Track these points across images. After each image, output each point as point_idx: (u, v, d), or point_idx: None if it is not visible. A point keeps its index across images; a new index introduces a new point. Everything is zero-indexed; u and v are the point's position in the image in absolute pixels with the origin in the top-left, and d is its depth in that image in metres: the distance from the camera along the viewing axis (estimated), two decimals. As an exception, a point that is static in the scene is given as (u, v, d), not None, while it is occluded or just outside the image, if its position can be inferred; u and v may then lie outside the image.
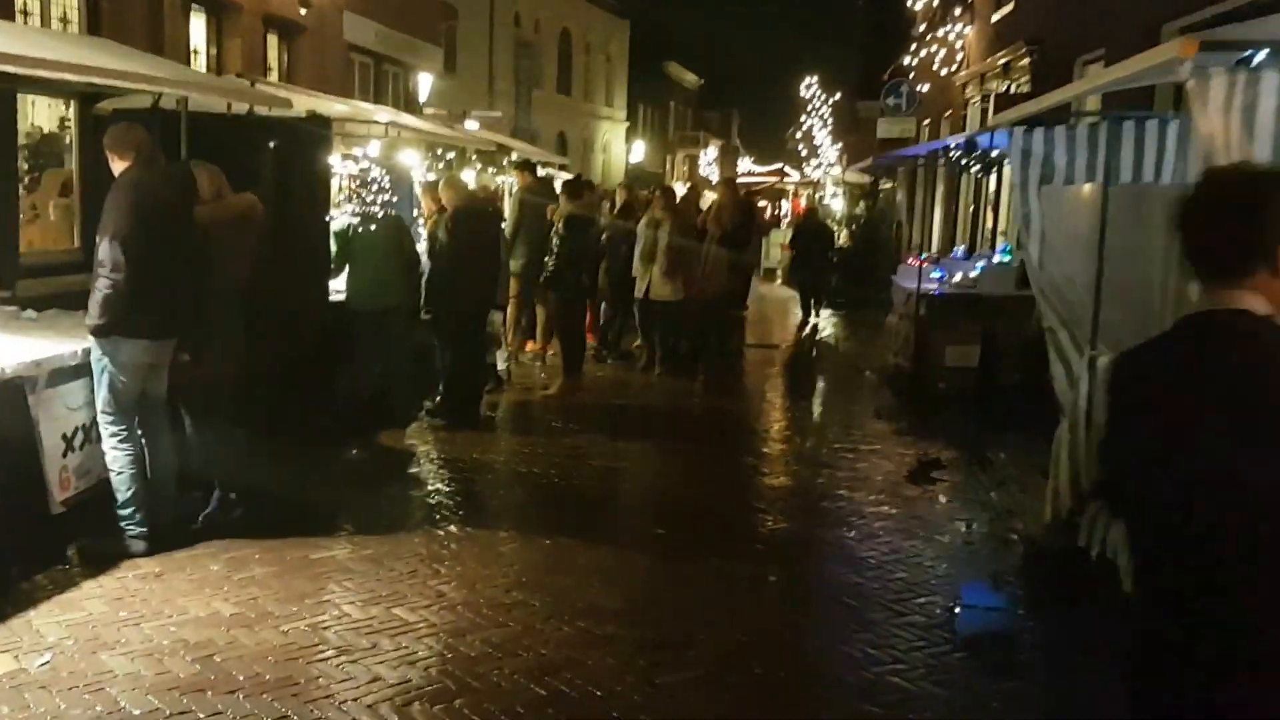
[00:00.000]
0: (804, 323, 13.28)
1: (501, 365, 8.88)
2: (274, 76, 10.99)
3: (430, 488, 5.93)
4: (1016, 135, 5.37)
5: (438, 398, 7.42)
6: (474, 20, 29.51)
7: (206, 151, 5.51)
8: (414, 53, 15.49)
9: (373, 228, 6.97)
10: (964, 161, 9.80)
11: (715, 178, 43.67)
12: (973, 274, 9.51)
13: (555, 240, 8.45)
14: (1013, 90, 12.58)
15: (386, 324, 6.91)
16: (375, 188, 7.28)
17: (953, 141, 9.84)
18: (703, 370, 9.44)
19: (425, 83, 16.35)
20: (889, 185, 18.56)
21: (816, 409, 8.42)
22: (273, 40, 11.30)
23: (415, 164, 9.67)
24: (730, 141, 52.01)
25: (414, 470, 6.28)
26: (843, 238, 18.05)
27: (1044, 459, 6.33)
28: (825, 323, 14.31)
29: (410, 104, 15.10)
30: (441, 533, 5.08)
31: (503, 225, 8.53)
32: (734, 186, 11.32)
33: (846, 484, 6.21)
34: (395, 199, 7.63)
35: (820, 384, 9.75)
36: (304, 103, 7.05)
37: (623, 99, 42.08)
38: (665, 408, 8.24)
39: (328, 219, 6.91)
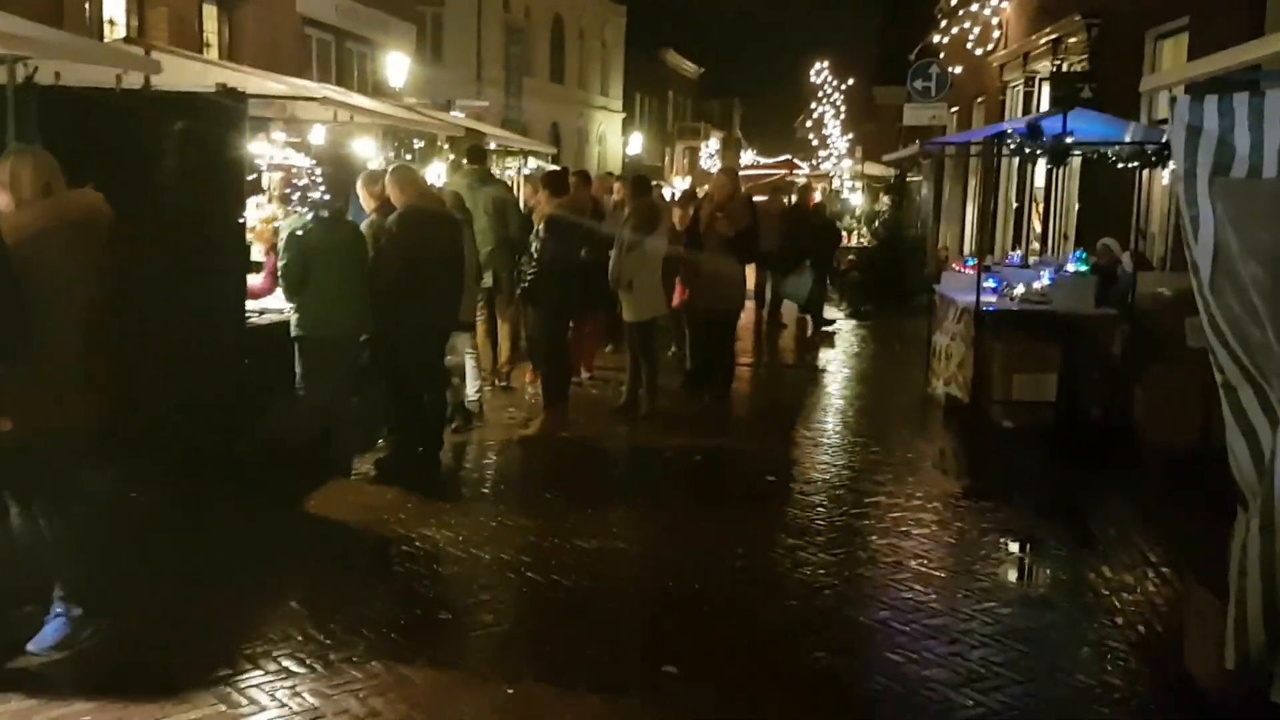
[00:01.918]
0: (812, 333, 11.61)
1: (474, 397, 7.30)
2: (212, 54, 9.34)
3: (362, 589, 4.32)
4: (1181, 105, 3.73)
5: (388, 447, 5.87)
6: (460, 4, 27.93)
7: (88, 135, 4.46)
8: (382, 29, 13.81)
9: (329, 234, 5.46)
10: (1027, 150, 8.16)
11: (714, 171, 42.05)
12: (1038, 284, 7.89)
13: (535, 245, 6.84)
14: (1066, 69, 10.94)
15: (342, 354, 5.52)
16: (312, 183, 5.68)
17: (1009, 126, 8.21)
18: (707, 401, 7.76)
19: (398, 66, 14.67)
20: (916, 179, 16.92)
21: (854, 454, 6.77)
22: (210, 11, 9.64)
23: (373, 155, 8.07)
24: (732, 133, 50.37)
25: (340, 562, 4.68)
26: (862, 237, 16.43)
27: (1174, 539, 4.74)
28: (850, 336, 12.67)
29: (380, 89, 13.45)
30: (370, 678, 3.48)
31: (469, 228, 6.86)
32: (736, 178, 9.44)
33: (913, 578, 4.59)
34: (339, 199, 6.02)
35: (854, 418, 8.05)
36: (198, 73, 5.43)
37: (619, 88, 40.66)
38: (667, 454, 6.59)
39: (241, 220, 5.35)
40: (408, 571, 4.53)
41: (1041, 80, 13.21)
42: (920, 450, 6.78)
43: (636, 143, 40.48)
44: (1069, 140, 7.12)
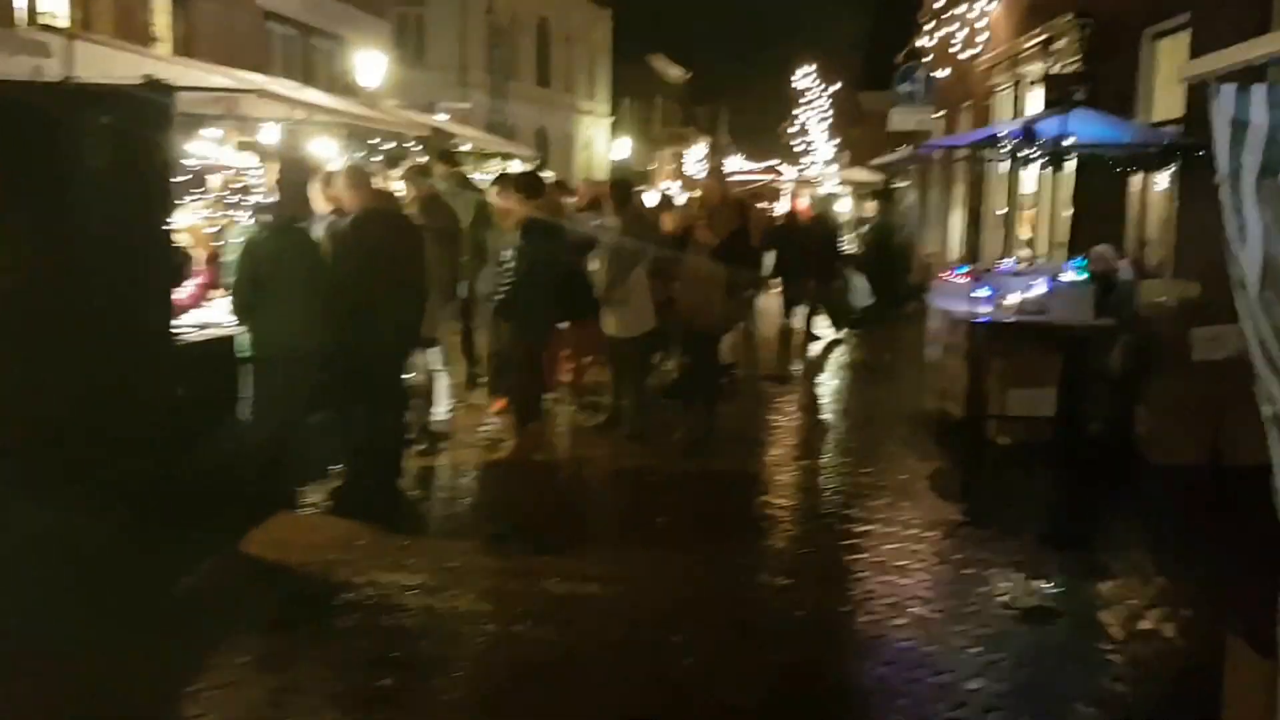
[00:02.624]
0: (810, 343, 11.19)
1: (443, 417, 6.86)
2: (165, 49, 8.86)
3: (297, 648, 3.87)
4: (1225, 96, 3.32)
5: (342, 475, 5.41)
6: (443, 6, 27.52)
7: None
8: (352, 26, 13.31)
9: (279, 243, 5.02)
10: (1022, 154, 7.80)
11: (701, 176, 41.77)
12: (1031, 293, 7.51)
13: (508, 253, 6.39)
14: (1059, 70, 10.59)
15: (297, 375, 5.05)
16: (249, 188, 5.22)
17: (1003, 129, 7.84)
18: (691, 422, 7.05)
19: (372, 64, 14.15)
20: (903, 184, 16.57)
21: (847, 476, 6.36)
22: (163, 4, 9.15)
23: (334, 156, 7.62)
24: (720, 137, 50.08)
25: (276, 614, 4.21)
26: (850, 244, 16.04)
27: (1198, 579, 4.34)
28: (840, 346, 12.27)
29: (353, 89, 12.98)
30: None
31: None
32: (723, 179, 8.90)
33: (912, 624, 4.17)
34: (290, 204, 5.55)
35: (846, 435, 7.63)
36: (130, 65, 4.98)
37: (605, 93, 40.32)
38: (648, 479, 6.16)
39: (166, 226, 4.87)
40: (352, 626, 4.06)
41: (1031, 83, 12.88)
42: (915, 471, 6.38)
43: (624, 147, 40.11)
44: (1069, 142, 6.74)
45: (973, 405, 7.08)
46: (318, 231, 5.35)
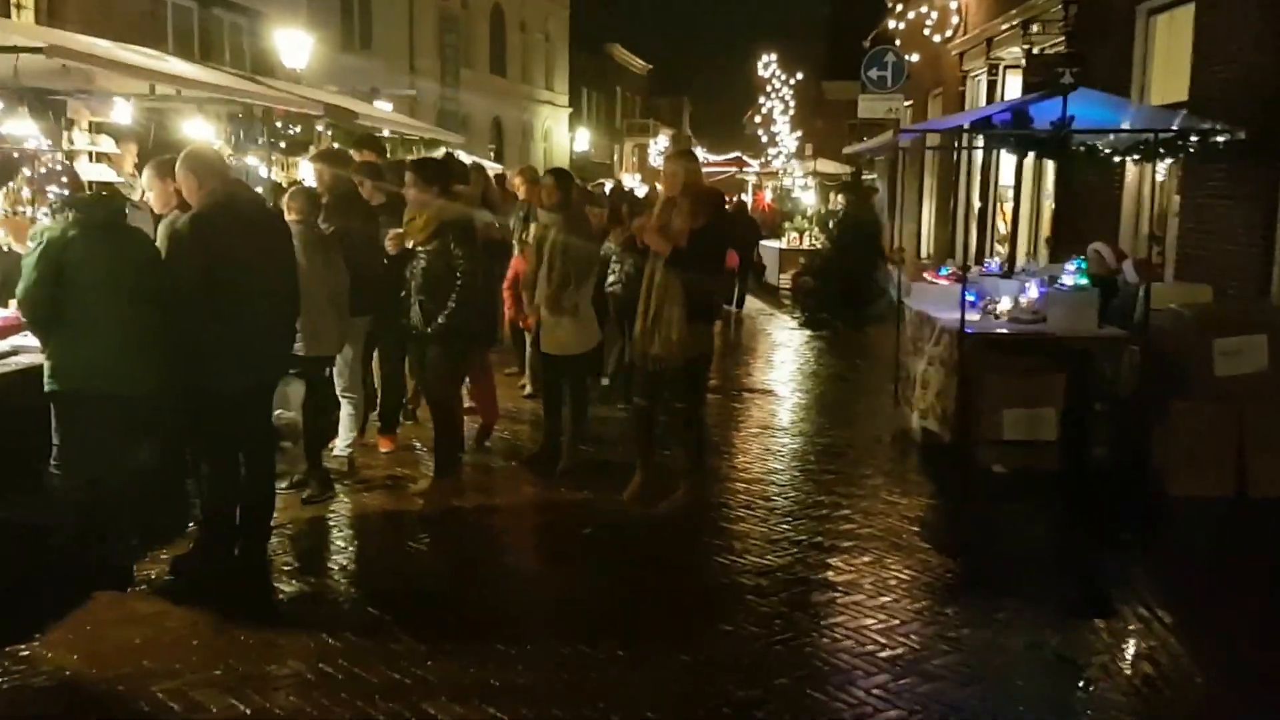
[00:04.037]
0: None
1: (344, 453, 5.81)
2: (28, 16, 7.64)
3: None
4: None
5: (190, 542, 4.33)
6: (390, -12, 26.30)
7: None
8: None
9: (96, 245, 3.90)
10: (1013, 140, 6.89)
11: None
12: (1025, 298, 6.63)
13: (421, 263, 5.36)
14: (1045, 51, 9.74)
15: (118, 415, 3.99)
16: (54, 174, 4.11)
17: (991, 113, 6.93)
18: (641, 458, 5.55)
19: (295, 45, 12.92)
20: (872, 176, 15.71)
21: (818, 520, 5.38)
22: (30, -34, 7.95)
23: (214, 139, 6.54)
24: (682, 130, 49.10)
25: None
26: (816, 240, 15.16)
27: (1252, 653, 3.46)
28: (805, 350, 11.35)
29: (267, 70, 11.77)
30: None
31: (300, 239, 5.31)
32: (694, 162, 5.60)
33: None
34: (114, 199, 4.43)
35: (816, 462, 6.64)
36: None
37: (564, 83, 39.22)
38: (581, 537, 5.07)
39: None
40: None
41: (1008, 68, 12.05)
42: (901, 513, 5.42)
43: (583, 139, 38.98)
44: (1071, 128, 5.84)
45: (962, 427, 6.19)
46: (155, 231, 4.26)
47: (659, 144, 43.16)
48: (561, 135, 38.56)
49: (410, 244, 5.33)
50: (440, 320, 5.24)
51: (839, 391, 9.09)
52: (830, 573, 4.55)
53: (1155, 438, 5.75)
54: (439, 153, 9.90)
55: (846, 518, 5.30)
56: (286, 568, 4.48)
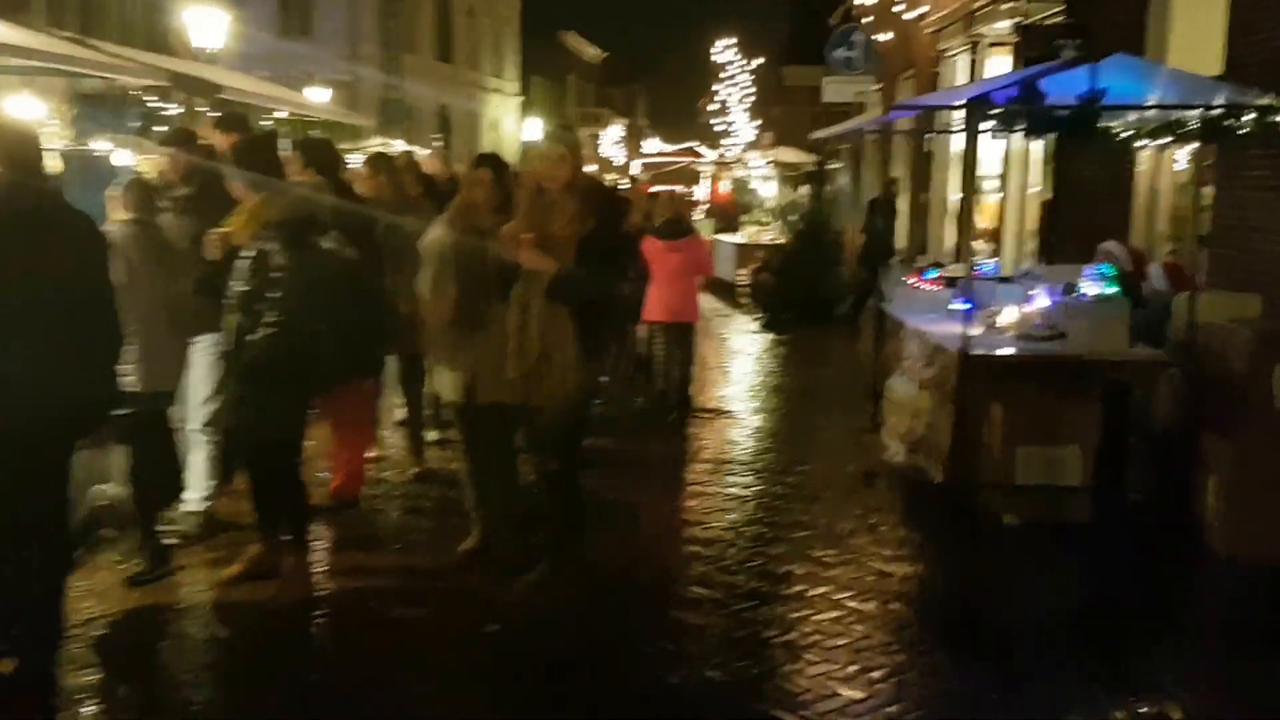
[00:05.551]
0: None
1: (197, 508, 4.57)
2: None
3: None
4: None
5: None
6: (329, -29, 24.88)
7: None
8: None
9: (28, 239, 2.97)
10: (1020, 122, 5.74)
11: (620, 160, 39.57)
12: (1031, 307, 5.51)
13: (246, 272, 3.97)
14: (1041, 21, 8.66)
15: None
16: None
17: (992, 89, 5.79)
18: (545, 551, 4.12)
19: (208, 21, 11.46)
20: (838, 166, 14.63)
21: (783, 604, 4.17)
22: None
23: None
24: (636, 120, 47.92)
25: None
26: (777, 235, 14.04)
27: None
28: (765, 358, 10.21)
29: (170, 52, 10.30)
30: None
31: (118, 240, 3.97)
32: (573, 151, 3.91)
33: None
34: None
35: (781, 507, 5.42)
36: None
37: (514, 71, 37.83)
38: (474, 643, 3.83)
39: None
40: None
41: (991, 45, 11.00)
42: (895, 580, 4.27)
43: (534, 128, 37.61)
44: (1102, 103, 4.72)
45: (961, 467, 5.06)
46: None
47: (612, 134, 41.98)
48: (511, 124, 37.21)
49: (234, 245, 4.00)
50: (249, 350, 3.87)
51: (808, 411, 7.91)
52: (799, 672, 3.36)
53: (1200, 485, 4.67)
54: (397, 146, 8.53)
55: (828, 597, 4.10)
56: (75, 682, 3.21)
